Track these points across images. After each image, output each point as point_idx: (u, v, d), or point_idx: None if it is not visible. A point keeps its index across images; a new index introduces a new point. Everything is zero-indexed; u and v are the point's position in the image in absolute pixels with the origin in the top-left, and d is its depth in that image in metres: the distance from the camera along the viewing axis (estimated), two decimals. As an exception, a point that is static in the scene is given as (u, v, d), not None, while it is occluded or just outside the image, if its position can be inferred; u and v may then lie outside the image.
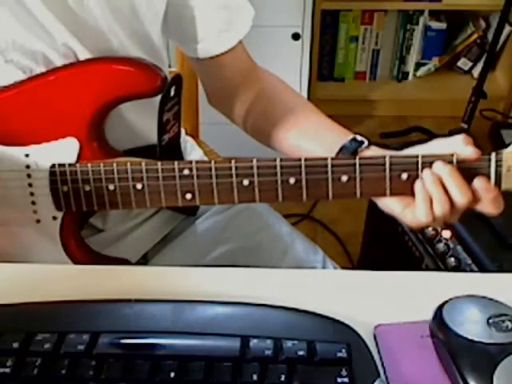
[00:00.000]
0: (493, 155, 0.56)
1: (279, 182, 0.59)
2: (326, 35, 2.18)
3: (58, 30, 0.60)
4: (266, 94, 0.78)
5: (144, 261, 0.81)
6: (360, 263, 1.52)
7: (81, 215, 0.67)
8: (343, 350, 0.44)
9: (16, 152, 0.62)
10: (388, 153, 0.60)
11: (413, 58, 2.26)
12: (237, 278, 0.55)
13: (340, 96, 2.21)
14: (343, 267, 0.87)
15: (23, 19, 0.59)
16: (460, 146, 0.58)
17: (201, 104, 1.13)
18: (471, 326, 0.45)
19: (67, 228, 0.65)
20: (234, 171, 0.58)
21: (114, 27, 0.64)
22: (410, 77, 2.31)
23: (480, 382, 0.42)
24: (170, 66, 1.18)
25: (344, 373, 0.43)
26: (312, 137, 0.71)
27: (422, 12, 2.15)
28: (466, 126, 1.85)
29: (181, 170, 0.59)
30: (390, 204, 0.61)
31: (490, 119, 2.17)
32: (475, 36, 2.21)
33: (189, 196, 0.60)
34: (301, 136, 0.72)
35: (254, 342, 0.44)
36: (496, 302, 0.47)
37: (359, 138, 0.66)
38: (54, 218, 0.64)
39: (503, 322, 0.45)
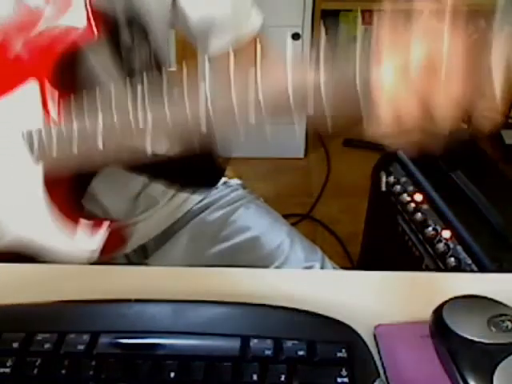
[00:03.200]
0: None
1: None
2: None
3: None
4: None
5: (144, 256, 0.81)
6: (360, 263, 1.52)
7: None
8: (343, 350, 0.44)
9: None
10: None
11: (413, 58, 2.25)
12: (237, 278, 0.55)
13: (340, 96, 2.21)
14: (343, 267, 0.87)
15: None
16: None
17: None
18: (471, 325, 0.45)
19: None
20: None
21: None
22: (410, 77, 2.30)
23: (480, 382, 0.42)
24: (169, 66, 1.18)
25: (344, 373, 0.43)
26: None
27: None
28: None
29: None
30: None
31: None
32: (475, 36, 2.21)
33: None
34: None
35: (254, 342, 0.44)
36: (496, 302, 0.47)
37: None
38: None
39: (503, 321, 0.45)
